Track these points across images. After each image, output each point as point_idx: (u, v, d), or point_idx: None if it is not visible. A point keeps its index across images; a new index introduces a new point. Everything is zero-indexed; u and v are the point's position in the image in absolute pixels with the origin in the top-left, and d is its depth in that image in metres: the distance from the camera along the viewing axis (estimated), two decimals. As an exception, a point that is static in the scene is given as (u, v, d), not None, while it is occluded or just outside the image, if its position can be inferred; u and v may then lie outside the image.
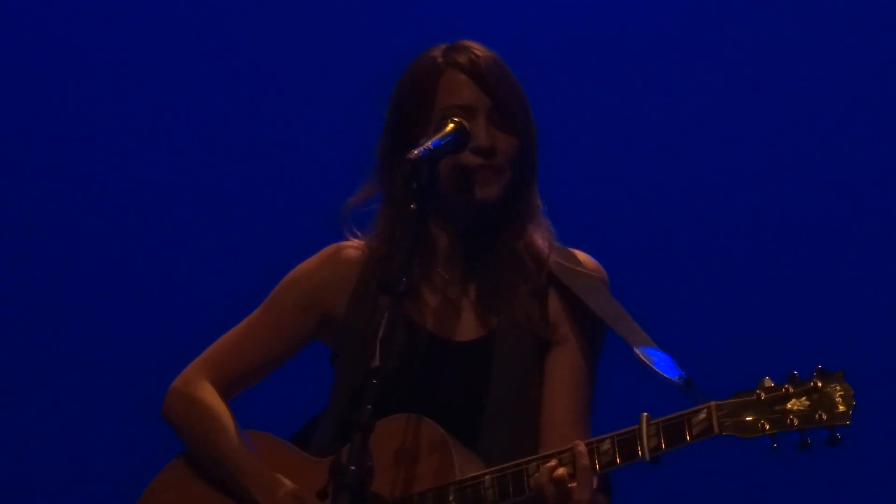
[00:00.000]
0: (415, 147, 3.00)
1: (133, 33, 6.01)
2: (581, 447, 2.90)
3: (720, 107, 5.89)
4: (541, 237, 3.21)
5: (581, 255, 3.27)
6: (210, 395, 3.26)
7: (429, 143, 2.99)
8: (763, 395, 2.75)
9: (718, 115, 5.81)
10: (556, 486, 2.89)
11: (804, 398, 2.74)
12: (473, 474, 2.99)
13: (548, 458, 2.95)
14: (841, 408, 2.72)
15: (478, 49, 3.18)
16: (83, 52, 6.07)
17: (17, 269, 5.85)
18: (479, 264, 3.19)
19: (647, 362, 3.00)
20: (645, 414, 2.84)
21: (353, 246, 3.27)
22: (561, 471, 2.90)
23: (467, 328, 3.19)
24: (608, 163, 5.52)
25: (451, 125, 3.05)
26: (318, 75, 5.66)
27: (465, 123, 3.08)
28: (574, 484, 2.88)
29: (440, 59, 3.17)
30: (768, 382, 2.77)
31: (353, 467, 2.62)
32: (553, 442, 3.05)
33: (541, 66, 5.40)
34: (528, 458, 2.98)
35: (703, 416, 2.79)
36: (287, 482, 3.16)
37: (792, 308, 5.27)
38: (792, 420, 2.73)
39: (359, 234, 3.28)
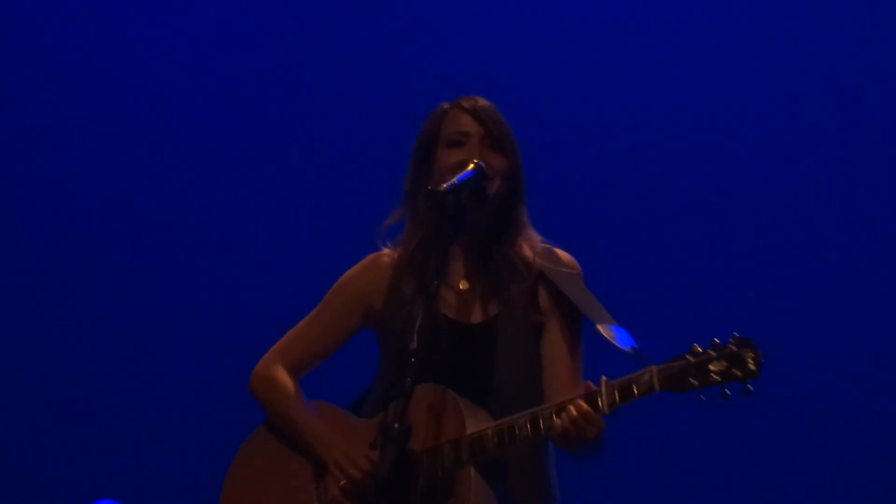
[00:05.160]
0: (441, 181, 3.43)
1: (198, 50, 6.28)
2: (590, 398, 3.25)
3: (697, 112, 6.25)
4: (529, 246, 3.62)
5: (561, 253, 3.68)
6: (283, 376, 3.69)
7: (454, 179, 3.41)
8: (692, 359, 3.17)
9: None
10: (574, 425, 3.24)
11: (723, 360, 3.15)
12: (479, 429, 3.38)
13: (565, 403, 3.27)
14: (751, 366, 3.14)
15: (477, 97, 3.62)
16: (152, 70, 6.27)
17: (117, 278, 6.19)
18: (483, 265, 3.62)
19: (609, 338, 3.41)
20: (604, 377, 3.28)
21: (385, 254, 3.69)
22: (575, 414, 3.25)
23: (476, 313, 3.60)
24: (580, 179, 6.00)
25: (472, 165, 3.48)
26: (357, 122, 6.02)
27: (484, 165, 3.48)
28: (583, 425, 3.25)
29: (447, 105, 3.63)
30: (697, 349, 3.19)
31: (396, 425, 3.09)
32: (558, 398, 3.38)
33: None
34: (523, 412, 3.36)
35: (646, 377, 3.21)
36: (341, 441, 3.55)
37: (718, 290, 5.92)
38: (714, 377, 3.15)
39: (389, 244, 3.68)
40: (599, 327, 3.46)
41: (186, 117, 6.20)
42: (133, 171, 6.20)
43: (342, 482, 3.52)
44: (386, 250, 3.73)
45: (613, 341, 3.42)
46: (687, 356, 3.21)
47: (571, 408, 3.24)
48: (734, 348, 3.17)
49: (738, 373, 3.16)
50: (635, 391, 3.24)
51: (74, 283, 6.15)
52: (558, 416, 3.28)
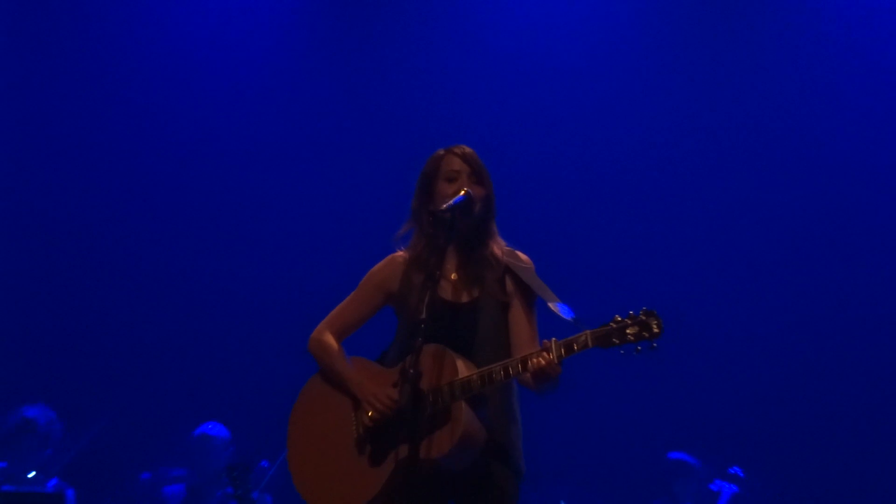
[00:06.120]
0: (441, 203, 4.16)
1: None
2: (545, 352, 3.91)
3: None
4: (498, 247, 4.37)
5: (520, 254, 4.42)
6: (330, 339, 4.40)
7: (450, 202, 4.17)
8: (614, 325, 3.93)
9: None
10: (542, 370, 3.88)
11: (636, 326, 3.90)
12: (467, 374, 4.08)
13: (527, 357, 3.92)
14: (656, 329, 3.88)
15: (464, 146, 4.43)
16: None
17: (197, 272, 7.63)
18: (467, 262, 4.36)
19: (556, 311, 4.10)
20: (554, 338, 4.02)
21: (400, 254, 4.43)
22: (536, 361, 3.89)
23: (463, 295, 4.32)
24: (533, 202, 7.15)
25: (463, 192, 4.24)
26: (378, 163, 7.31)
27: (472, 193, 4.21)
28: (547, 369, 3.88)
29: (443, 152, 4.43)
30: (617, 318, 3.96)
31: (412, 371, 3.88)
32: (521, 354, 4.06)
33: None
34: (502, 361, 4.04)
35: (583, 337, 3.96)
36: (370, 384, 4.21)
37: (632, 278, 7.10)
38: (630, 337, 3.90)
39: (401, 247, 4.42)
40: (550, 304, 4.14)
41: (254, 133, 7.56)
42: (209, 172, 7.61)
43: (371, 413, 4.21)
44: (400, 251, 4.46)
45: (559, 313, 4.12)
46: (611, 323, 3.97)
47: (540, 358, 3.94)
48: (643, 317, 3.94)
49: (646, 334, 3.92)
50: (575, 347, 4.00)
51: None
52: (523, 366, 4.00)
